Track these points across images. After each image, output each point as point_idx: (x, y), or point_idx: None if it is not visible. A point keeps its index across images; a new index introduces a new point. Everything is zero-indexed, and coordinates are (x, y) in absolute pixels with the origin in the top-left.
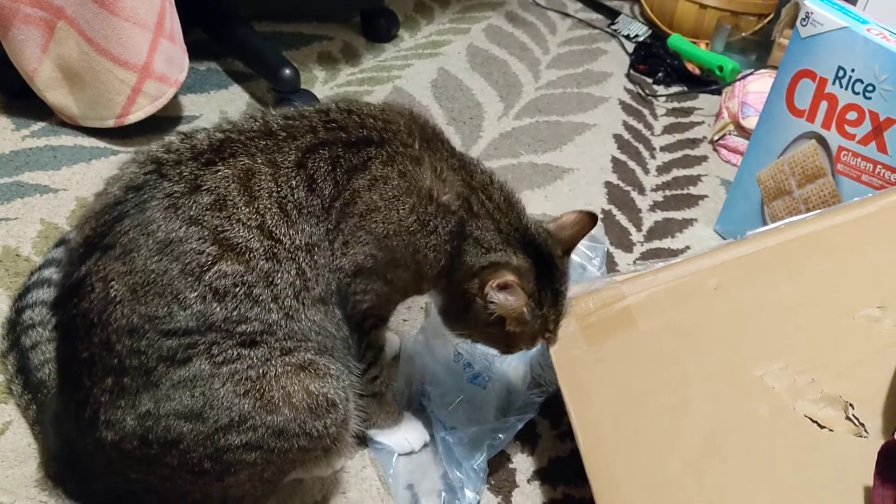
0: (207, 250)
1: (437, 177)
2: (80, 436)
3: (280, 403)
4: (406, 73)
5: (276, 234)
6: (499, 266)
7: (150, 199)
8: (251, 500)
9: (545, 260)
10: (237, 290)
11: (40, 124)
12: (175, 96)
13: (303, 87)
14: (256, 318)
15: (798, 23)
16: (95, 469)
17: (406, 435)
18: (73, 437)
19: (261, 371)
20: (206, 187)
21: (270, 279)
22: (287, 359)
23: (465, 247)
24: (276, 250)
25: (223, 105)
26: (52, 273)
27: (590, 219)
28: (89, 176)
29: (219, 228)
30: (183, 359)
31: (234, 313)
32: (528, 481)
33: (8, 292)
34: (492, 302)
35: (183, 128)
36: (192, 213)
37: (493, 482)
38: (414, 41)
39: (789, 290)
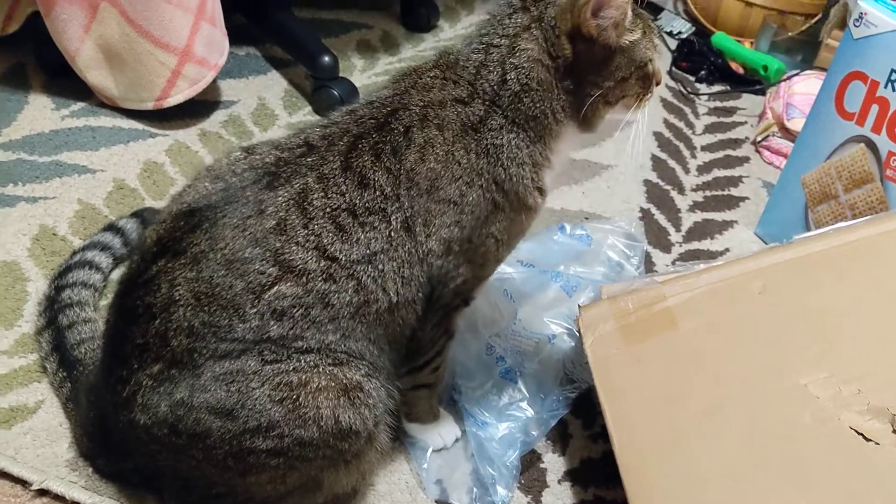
0: (268, 271)
1: (467, 105)
2: (114, 412)
3: (310, 422)
4: None
5: (331, 253)
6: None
7: (222, 217)
8: (275, 499)
9: None
10: (295, 311)
11: (80, 104)
12: (214, 80)
13: (341, 74)
14: (312, 337)
15: (851, 23)
16: (128, 447)
17: (440, 430)
18: (107, 412)
19: (303, 378)
20: (269, 212)
21: (327, 300)
22: (336, 371)
23: (530, 75)
24: (332, 270)
25: (261, 91)
26: (94, 255)
27: None
28: (126, 157)
29: (280, 251)
30: (234, 357)
31: (290, 332)
32: (559, 482)
33: (44, 271)
34: (601, 28)
35: (221, 113)
36: (257, 235)
37: (523, 482)
38: (454, 31)
39: (836, 297)
